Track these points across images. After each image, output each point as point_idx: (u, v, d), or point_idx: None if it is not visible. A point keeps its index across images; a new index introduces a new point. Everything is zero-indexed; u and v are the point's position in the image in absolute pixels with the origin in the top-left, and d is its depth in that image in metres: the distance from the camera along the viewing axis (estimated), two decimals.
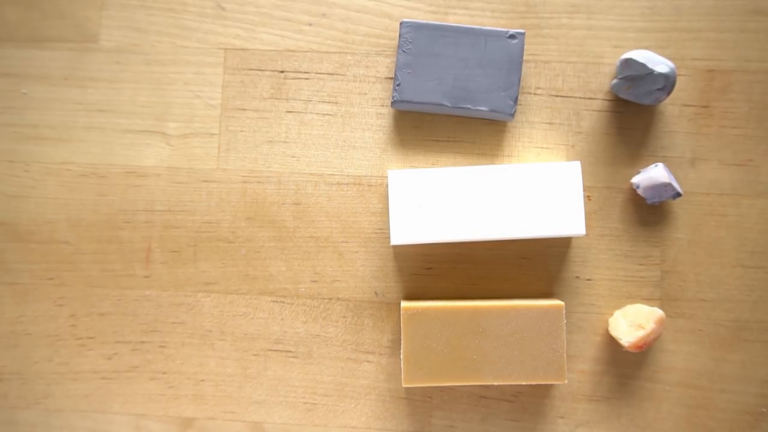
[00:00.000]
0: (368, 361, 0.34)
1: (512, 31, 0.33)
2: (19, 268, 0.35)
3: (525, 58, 0.34)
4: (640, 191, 0.33)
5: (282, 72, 0.35)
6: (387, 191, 0.33)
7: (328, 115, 0.34)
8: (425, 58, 0.33)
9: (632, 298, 0.34)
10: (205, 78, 0.35)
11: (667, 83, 0.32)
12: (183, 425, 0.34)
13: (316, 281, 0.34)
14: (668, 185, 0.32)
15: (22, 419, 0.34)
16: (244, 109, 0.35)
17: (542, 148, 0.34)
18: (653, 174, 0.32)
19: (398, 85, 0.33)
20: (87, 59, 0.35)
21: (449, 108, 0.33)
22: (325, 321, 0.34)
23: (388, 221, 0.32)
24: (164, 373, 0.34)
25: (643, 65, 0.32)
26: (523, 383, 0.32)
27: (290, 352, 0.34)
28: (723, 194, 0.33)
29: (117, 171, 0.35)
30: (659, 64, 0.32)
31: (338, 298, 0.34)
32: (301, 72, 0.35)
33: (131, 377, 0.34)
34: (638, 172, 0.33)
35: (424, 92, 0.33)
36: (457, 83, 0.33)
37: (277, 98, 0.35)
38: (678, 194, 0.32)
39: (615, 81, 0.33)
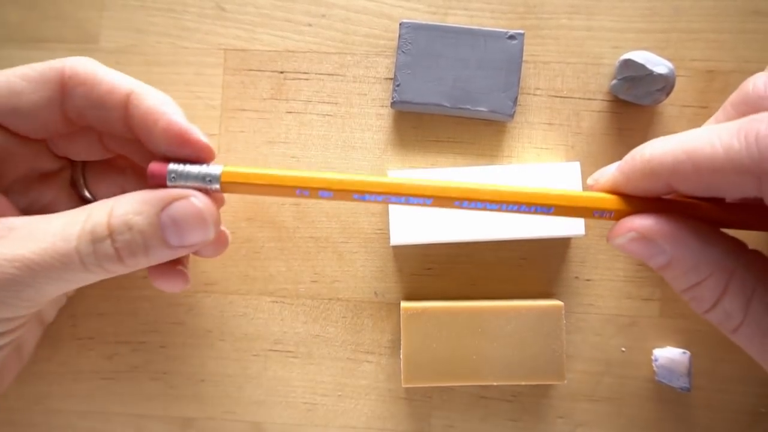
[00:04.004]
0: (368, 362, 0.34)
1: (512, 31, 0.33)
2: None
3: (524, 58, 0.34)
4: (655, 364, 0.33)
5: (282, 72, 0.35)
6: None
7: (327, 115, 0.34)
8: (425, 59, 0.33)
9: (631, 299, 0.34)
10: (205, 79, 0.35)
11: (666, 84, 0.32)
12: (183, 425, 0.34)
13: (315, 281, 0.34)
14: (684, 377, 0.32)
15: (22, 420, 0.34)
16: (244, 110, 0.35)
17: (542, 148, 0.34)
18: (677, 358, 0.32)
19: (398, 85, 0.33)
20: None
21: (449, 108, 0.33)
22: (324, 321, 0.34)
23: (388, 221, 0.32)
24: (164, 373, 0.34)
25: (642, 66, 0.32)
26: (523, 383, 0.32)
27: (290, 352, 0.34)
28: None
29: None
30: (658, 65, 0.32)
31: (338, 299, 0.34)
32: (300, 72, 0.35)
33: (131, 377, 0.34)
34: (663, 347, 0.33)
35: (423, 93, 0.33)
36: (457, 84, 0.33)
37: (277, 99, 0.35)
38: (688, 389, 0.32)
39: (614, 82, 0.33)
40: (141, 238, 0.23)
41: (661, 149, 0.21)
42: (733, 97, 0.24)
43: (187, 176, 0.24)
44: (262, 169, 0.25)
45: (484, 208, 0.24)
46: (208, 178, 0.24)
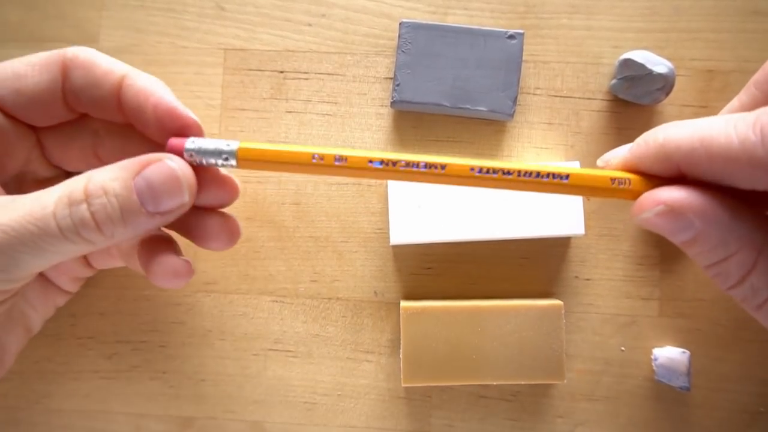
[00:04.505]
0: (368, 361, 0.34)
1: (511, 31, 0.33)
2: None
3: (524, 58, 0.34)
4: (654, 363, 0.33)
5: (282, 72, 0.35)
6: (386, 191, 0.33)
7: (327, 115, 0.34)
8: (425, 59, 0.33)
9: (631, 298, 0.34)
10: (204, 78, 0.35)
11: (665, 83, 0.32)
12: (183, 425, 0.34)
13: (315, 281, 0.34)
14: (684, 376, 0.32)
15: (22, 419, 0.34)
16: (243, 110, 0.35)
17: (541, 148, 0.34)
18: (676, 358, 0.32)
19: (398, 85, 0.33)
20: None
21: (448, 108, 0.33)
22: (324, 321, 0.34)
23: (388, 221, 0.32)
24: (164, 372, 0.34)
25: (642, 65, 0.32)
26: (522, 383, 0.32)
27: (290, 351, 0.34)
28: None
29: None
30: (658, 64, 0.32)
31: (338, 298, 0.34)
32: (300, 72, 0.35)
33: (131, 377, 0.34)
34: (663, 347, 0.33)
35: (423, 92, 0.33)
36: (457, 83, 0.33)
37: (276, 98, 0.35)
38: (687, 388, 0.32)
39: (614, 81, 0.33)
40: (116, 202, 0.23)
41: (675, 135, 0.21)
42: (758, 76, 0.24)
43: (204, 152, 0.25)
44: (279, 144, 0.25)
45: (500, 175, 0.24)
46: (224, 155, 0.24)
